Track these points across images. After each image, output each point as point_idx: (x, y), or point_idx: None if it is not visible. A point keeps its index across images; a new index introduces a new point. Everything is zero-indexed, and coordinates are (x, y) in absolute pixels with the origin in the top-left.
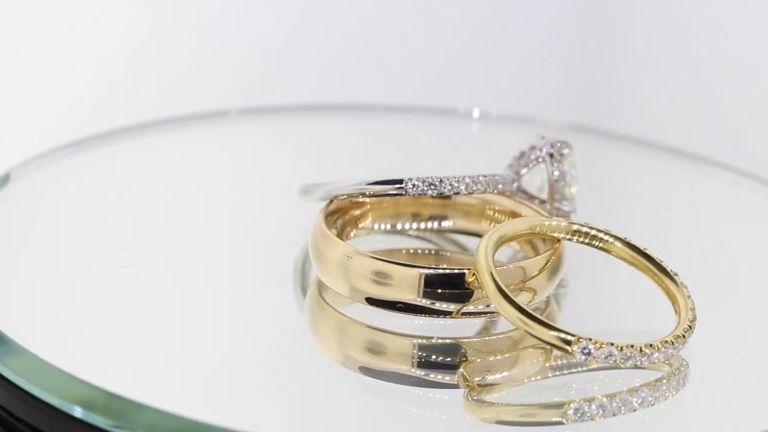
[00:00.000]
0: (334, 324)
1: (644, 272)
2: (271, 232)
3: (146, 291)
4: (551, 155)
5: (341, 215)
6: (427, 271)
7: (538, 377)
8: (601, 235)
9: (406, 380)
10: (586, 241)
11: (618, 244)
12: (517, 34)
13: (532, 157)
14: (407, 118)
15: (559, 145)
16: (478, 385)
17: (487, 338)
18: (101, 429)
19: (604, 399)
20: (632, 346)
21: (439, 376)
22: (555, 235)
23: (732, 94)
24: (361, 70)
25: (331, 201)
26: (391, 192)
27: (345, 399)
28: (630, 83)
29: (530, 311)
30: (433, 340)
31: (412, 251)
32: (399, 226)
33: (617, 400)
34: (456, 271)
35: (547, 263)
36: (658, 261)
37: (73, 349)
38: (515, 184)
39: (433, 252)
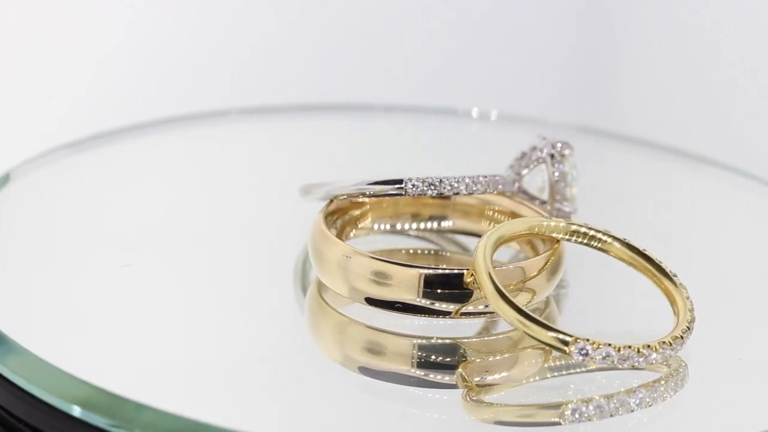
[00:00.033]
0: (333, 324)
1: (643, 273)
2: (271, 232)
3: (146, 291)
4: (552, 156)
5: (341, 215)
6: (426, 271)
7: (537, 378)
8: (599, 235)
9: (406, 380)
10: (585, 241)
11: (617, 244)
12: (517, 34)
13: (533, 157)
14: (407, 118)
15: (560, 145)
16: (477, 386)
17: (486, 338)
18: (101, 429)
19: (602, 400)
20: (630, 347)
21: (439, 377)
22: (554, 235)
23: (732, 94)
24: (361, 70)
25: (331, 201)
26: (390, 192)
27: (344, 399)
28: (630, 83)
29: (528, 312)
30: (433, 341)
31: (411, 251)
32: (399, 227)
33: (615, 401)
34: (455, 271)
35: (546, 264)
36: (657, 262)
37: (72, 349)
38: (516, 185)
39: (432, 252)
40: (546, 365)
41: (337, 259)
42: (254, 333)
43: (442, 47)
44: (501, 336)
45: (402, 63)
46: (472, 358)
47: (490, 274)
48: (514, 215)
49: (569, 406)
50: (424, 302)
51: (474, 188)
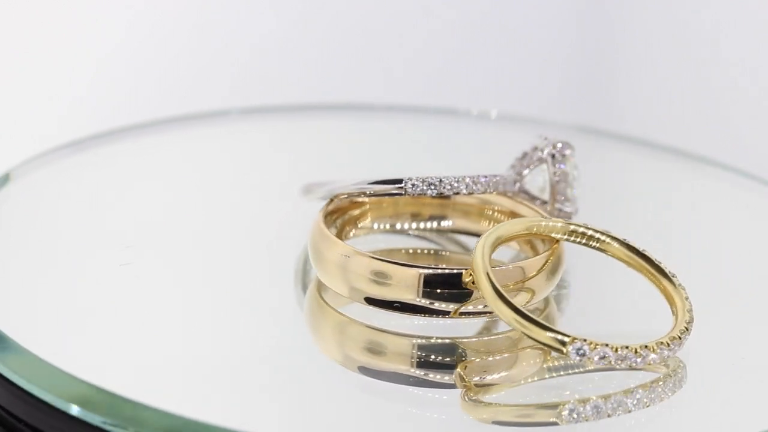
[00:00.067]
0: (333, 324)
1: (641, 273)
2: (271, 232)
3: (146, 291)
4: (553, 156)
5: (340, 215)
6: (426, 271)
7: (536, 378)
8: (597, 235)
9: (406, 380)
10: (583, 241)
11: (615, 244)
12: (517, 34)
13: (534, 157)
14: (407, 118)
15: (560, 145)
16: (476, 386)
17: (486, 338)
18: (101, 429)
19: (599, 400)
20: (627, 348)
21: (438, 376)
22: (552, 235)
23: (732, 94)
24: (361, 70)
25: (331, 200)
26: (391, 191)
27: (344, 399)
28: (630, 83)
29: (526, 312)
30: (433, 340)
31: (411, 251)
32: (398, 226)
33: (612, 402)
34: (455, 271)
35: (545, 264)
36: (656, 262)
37: (72, 348)
38: (517, 185)
39: (432, 252)
40: (545, 365)
41: (337, 258)
42: (254, 333)
43: (442, 47)
44: (501, 336)
45: (402, 63)
46: (472, 358)
47: (488, 274)
48: (513, 215)
49: (566, 406)
50: (424, 302)
51: (474, 188)
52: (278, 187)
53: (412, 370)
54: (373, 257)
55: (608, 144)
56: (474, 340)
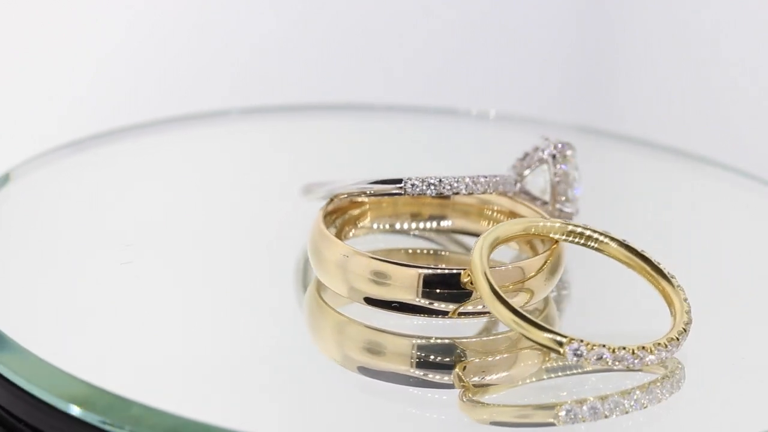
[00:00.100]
0: (332, 324)
1: (640, 273)
2: (271, 232)
3: (146, 291)
4: (554, 156)
5: (340, 215)
6: (425, 271)
7: (534, 379)
8: (596, 235)
9: (405, 380)
10: (581, 241)
11: (613, 244)
12: (517, 34)
13: (535, 158)
14: (407, 117)
15: (561, 146)
16: (474, 386)
17: (485, 339)
18: (101, 429)
19: (596, 401)
20: (624, 348)
21: (438, 377)
22: (550, 235)
23: (732, 94)
24: (361, 70)
25: (331, 200)
26: (390, 191)
27: (344, 399)
28: (630, 83)
29: (523, 312)
30: (432, 341)
31: (411, 251)
32: (398, 226)
33: (609, 402)
34: (455, 271)
35: (544, 264)
36: (655, 263)
37: (73, 348)
38: (518, 185)
39: (432, 252)
40: (544, 366)
41: (336, 258)
42: (254, 333)
43: (442, 47)
44: (500, 336)
45: (402, 63)
46: (471, 359)
47: (486, 274)
48: (513, 215)
49: (563, 407)
50: (424, 302)
51: (474, 188)
52: (278, 187)
53: (412, 370)
54: (372, 257)
55: (608, 144)
56: (473, 340)
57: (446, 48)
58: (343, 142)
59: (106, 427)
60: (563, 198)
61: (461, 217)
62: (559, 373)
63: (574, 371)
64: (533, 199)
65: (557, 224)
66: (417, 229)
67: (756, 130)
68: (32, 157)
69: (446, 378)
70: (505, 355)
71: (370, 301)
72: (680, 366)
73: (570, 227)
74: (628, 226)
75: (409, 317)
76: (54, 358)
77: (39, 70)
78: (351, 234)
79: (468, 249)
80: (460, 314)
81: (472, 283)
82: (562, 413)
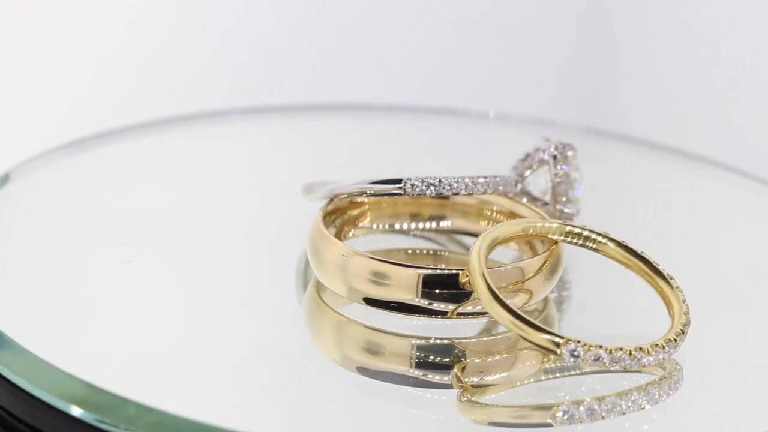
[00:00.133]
0: (332, 324)
1: (638, 274)
2: (271, 232)
3: (146, 291)
4: (555, 157)
5: (340, 215)
6: (425, 271)
7: (532, 380)
8: (594, 236)
9: (404, 380)
10: (579, 242)
11: (611, 245)
12: (517, 34)
13: (536, 158)
14: (407, 117)
15: (562, 147)
16: (472, 386)
17: (485, 339)
18: (101, 429)
19: (594, 402)
20: (622, 349)
21: (437, 377)
22: (548, 236)
23: (732, 94)
24: (361, 70)
25: (330, 200)
26: (390, 191)
27: (343, 399)
28: (630, 83)
29: (520, 313)
30: (431, 341)
31: (410, 251)
32: (397, 226)
33: (606, 403)
34: (454, 271)
35: (543, 264)
36: (653, 264)
37: (73, 348)
38: (519, 186)
39: (431, 252)
40: (543, 367)
41: (336, 258)
42: (254, 333)
43: (442, 47)
44: (500, 336)
45: (402, 63)
46: (470, 359)
47: (483, 275)
48: (512, 215)
49: (560, 408)
50: (423, 302)
51: (473, 189)
52: (278, 187)
53: (411, 370)
54: (371, 257)
55: (608, 144)
56: (473, 340)
57: (446, 48)
58: (343, 142)
59: (106, 427)
60: (564, 199)
61: (461, 218)
62: (557, 374)
63: (573, 372)
64: (534, 199)
65: (555, 225)
66: (416, 229)
67: (756, 130)
68: (32, 157)
69: (445, 378)
70: (504, 356)
71: (370, 302)
72: (678, 367)
73: (568, 228)
74: (628, 226)
75: (408, 317)
76: (54, 358)
77: (39, 70)
78: (350, 234)
79: (468, 249)
80: (459, 314)
81: (470, 284)
82: (559, 414)
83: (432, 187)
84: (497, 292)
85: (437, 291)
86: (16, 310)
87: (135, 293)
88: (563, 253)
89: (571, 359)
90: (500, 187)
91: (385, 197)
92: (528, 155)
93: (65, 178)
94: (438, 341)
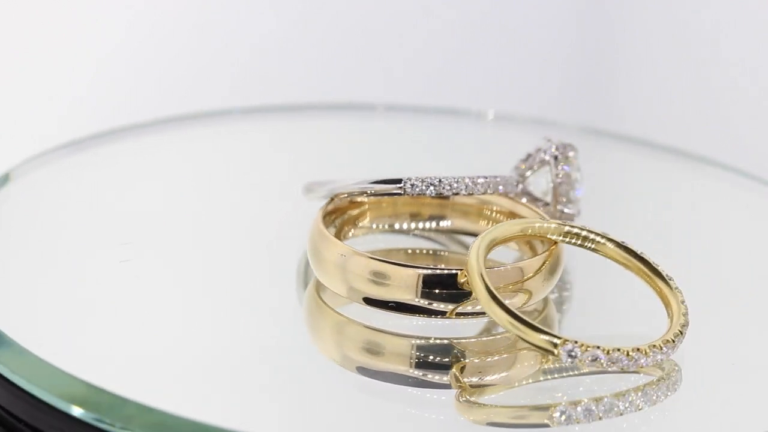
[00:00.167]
0: (332, 324)
1: (637, 274)
2: (271, 232)
3: (146, 291)
4: (556, 158)
5: (340, 215)
6: (425, 271)
7: (530, 380)
8: (592, 236)
9: (404, 380)
10: (578, 242)
11: (610, 245)
12: (517, 34)
13: (537, 159)
14: (407, 117)
15: (564, 147)
16: (471, 387)
17: (485, 339)
18: (101, 429)
19: (591, 402)
20: (619, 350)
21: (437, 377)
22: (548, 236)
23: (732, 94)
24: (361, 70)
25: (330, 200)
26: (390, 191)
27: (343, 399)
28: (630, 83)
29: (518, 313)
30: (431, 341)
31: (410, 251)
32: (397, 226)
33: (604, 404)
34: (454, 271)
35: (543, 265)
36: (653, 264)
37: (73, 348)
38: (519, 186)
39: (431, 252)
40: (542, 367)
41: (335, 258)
42: (253, 333)
43: (442, 47)
44: (499, 337)
45: (402, 63)
46: (469, 359)
47: (482, 275)
48: (512, 215)
49: (558, 408)
50: (423, 302)
51: (473, 189)
52: (278, 187)
53: (411, 370)
54: (371, 257)
55: (608, 144)
56: (473, 340)
57: (446, 48)
58: (343, 142)
59: (106, 427)
60: (565, 199)
61: (461, 218)
62: (556, 375)
63: (571, 373)
64: (535, 200)
65: (554, 225)
66: (416, 229)
67: (756, 130)
68: (32, 157)
69: (445, 378)
70: (503, 356)
71: (370, 301)
72: (677, 368)
73: (567, 228)
74: (628, 226)
75: (408, 317)
76: (54, 358)
77: (39, 70)
78: (350, 234)
79: (468, 249)
80: (458, 314)
81: (468, 284)
82: (557, 414)
83: (432, 187)
84: (495, 292)
85: (437, 291)
86: (16, 310)
87: (135, 293)
88: (563, 254)
89: (569, 360)
90: (500, 188)
91: (385, 197)
92: (529, 155)
93: (65, 178)
94: (438, 341)
